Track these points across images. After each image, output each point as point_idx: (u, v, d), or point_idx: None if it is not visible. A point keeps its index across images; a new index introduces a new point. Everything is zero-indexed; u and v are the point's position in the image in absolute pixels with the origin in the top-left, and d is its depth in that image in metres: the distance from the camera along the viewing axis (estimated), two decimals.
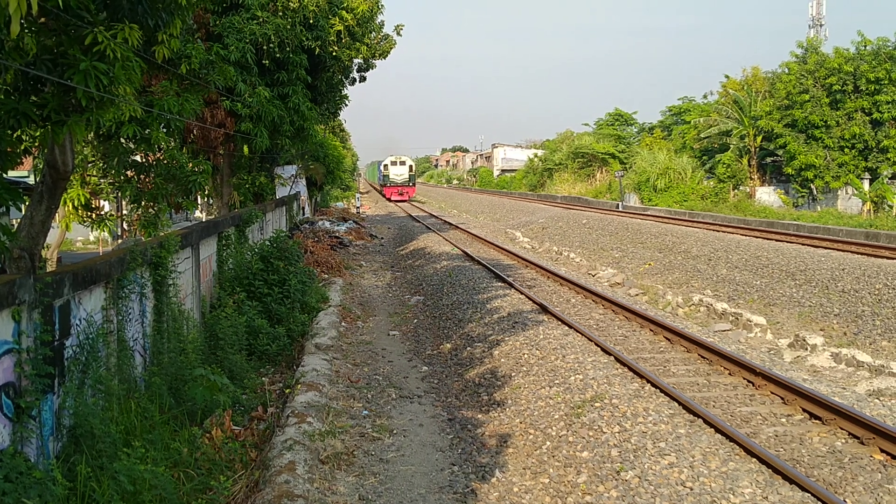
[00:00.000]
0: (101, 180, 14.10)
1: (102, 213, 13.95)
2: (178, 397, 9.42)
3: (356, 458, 9.15)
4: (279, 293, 15.71)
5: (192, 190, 13.43)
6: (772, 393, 10.72)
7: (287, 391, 11.22)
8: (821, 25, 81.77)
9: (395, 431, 10.31)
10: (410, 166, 79.60)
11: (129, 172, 13.22)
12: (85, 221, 13.46)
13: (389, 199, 77.95)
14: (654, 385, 10.77)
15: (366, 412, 10.93)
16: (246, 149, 20.98)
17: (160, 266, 10.31)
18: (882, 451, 8.59)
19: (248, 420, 10.14)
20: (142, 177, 13.21)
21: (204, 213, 37.10)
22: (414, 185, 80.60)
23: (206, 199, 30.56)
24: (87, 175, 13.84)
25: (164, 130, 11.13)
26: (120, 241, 30.62)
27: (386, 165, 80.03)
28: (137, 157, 13.50)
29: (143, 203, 13.02)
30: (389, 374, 13.22)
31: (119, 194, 15.25)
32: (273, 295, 15.56)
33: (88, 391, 7.67)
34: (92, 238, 35.18)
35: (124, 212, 25.15)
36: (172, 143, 13.77)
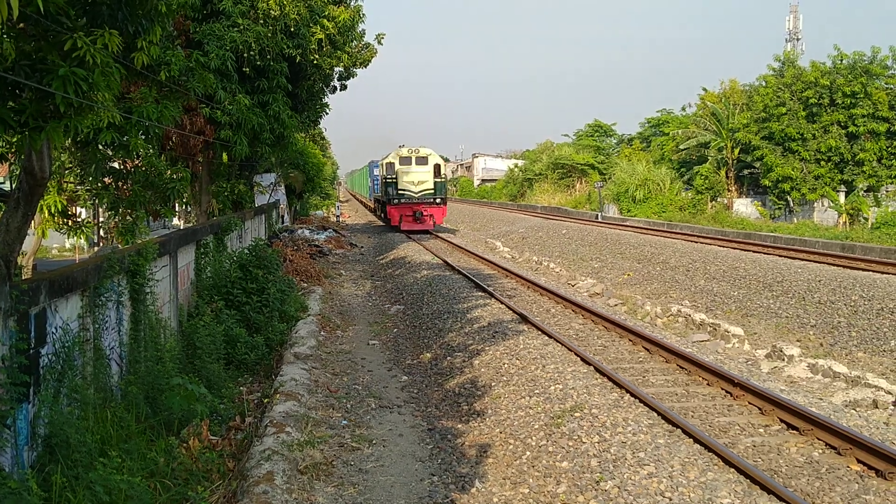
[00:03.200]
0: (79, 187, 13.98)
1: (79, 220, 13.80)
2: (154, 406, 9.32)
3: (335, 468, 9.09)
4: (258, 302, 15.61)
5: (171, 197, 13.35)
6: (749, 403, 10.78)
7: (265, 401, 11.14)
8: (797, 39, 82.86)
9: (374, 441, 10.26)
10: (437, 166, 42.10)
11: (106, 179, 13.12)
12: (61, 228, 13.32)
13: (399, 229, 41.27)
14: (633, 395, 10.79)
15: (345, 422, 10.88)
16: (225, 156, 20.90)
17: (137, 274, 10.21)
18: (859, 461, 8.66)
19: (226, 430, 10.05)
20: (119, 184, 13.11)
21: (182, 221, 36.87)
22: (444, 201, 42.43)
23: (184, 207, 30.38)
24: (64, 181, 13.71)
25: (143, 137, 11.04)
26: (97, 248, 30.32)
27: (390, 165, 41.96)
28: (115, 164, 13.40)
29: (120, 210, 12.91)
30: (369, 384, 13.16)
31: (96, 201, 15.13)
32: (252, 304, 15.46)
33: (64, 400, 7.57)
34: (68, 245, 34.85)
35: (101, 219, 24.95)
36: (151, 150, 13.66)
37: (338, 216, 55.80)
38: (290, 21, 20.35)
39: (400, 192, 40.96)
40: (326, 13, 23.25)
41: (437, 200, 41.18)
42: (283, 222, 38.16)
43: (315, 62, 23.29)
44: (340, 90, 28.84)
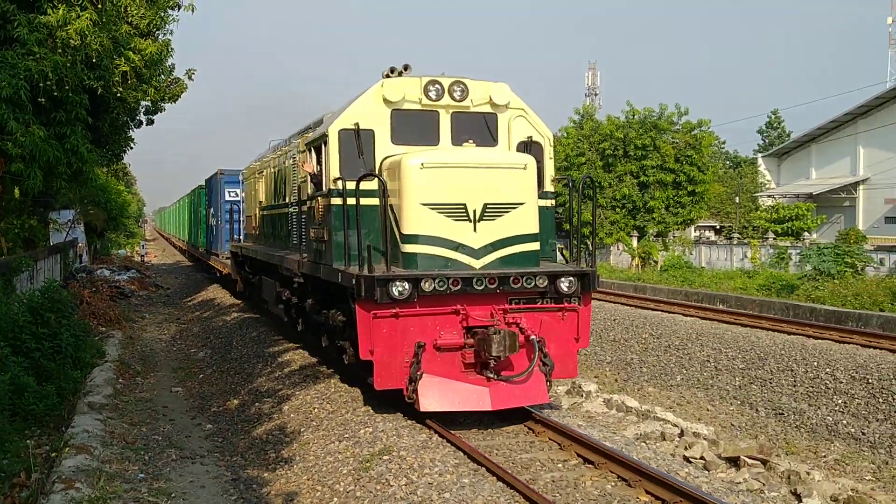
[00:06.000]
0: None
1: None
2: None
3: None
4: (49, 348, 14.58)
5: None
6: (550, 439, 11.23)
7: (54, 455, 10.37)
8: (595, 94, 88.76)
9: (173, 495, 9.78)
10: (534, 145, 12.36)
11: None
12: None
13: (408, 403, 11.00)
14: (441, 436, 10.96)
15: (142, 475, 10.31)
16: (17, 191, 19.48)
17: None
18: (647, 492, 9.23)
19: (10, 487, 9.28)
20: None
21: None
22: (590, 282, 11.34)
23: None
24: None
25: None
26: None
27: (350, 138, 11.65)
28: None
29: None
30: (170, 434, 12.58)
31: None
32: (43, 349, 14.40)
33: None
34: None
35: None
36: None
37: (143, 255, 53.38)
38: (91, 52, 19.37)
39: (408, 248, 10.90)
40: (132, 45, 22.37)
41: (566, 285, 11.19)
42: (81, 262, 36.03)
43: (119, 95, 22.29)
44: (147, 125, 27.81)
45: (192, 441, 12.32)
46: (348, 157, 11.71)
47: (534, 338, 10.91)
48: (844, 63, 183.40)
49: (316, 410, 12.81)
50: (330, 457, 10.69)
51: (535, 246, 11.33)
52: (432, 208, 10.77)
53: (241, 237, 23.65)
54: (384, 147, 11.86)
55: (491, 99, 12.29)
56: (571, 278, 11.25)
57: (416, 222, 10.79)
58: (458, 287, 10.59)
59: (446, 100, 12.03)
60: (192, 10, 23.40)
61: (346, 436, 11.27)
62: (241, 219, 24.04)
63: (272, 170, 18.56)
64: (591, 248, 12.80)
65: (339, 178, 11.55)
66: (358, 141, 11.74)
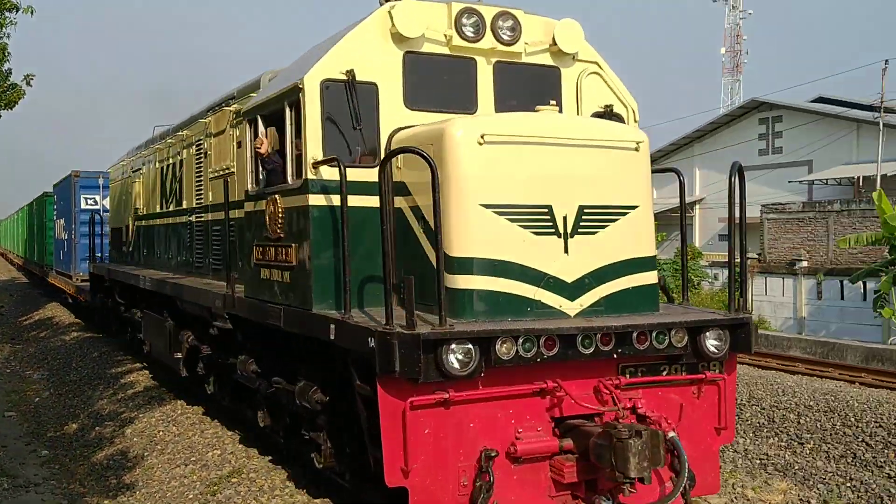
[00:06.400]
0: None
1: None
2: None
3: None
4: None
5: None
6: None
7: None
8: None
9: None
10: (613, 118, 8.11)
11: None
12: None
13: None
14: (291, 454, 10.86)
15: None
16: None
17: None
18: None
19: None
20: None
21: None
22: (744, 334, 7.01)
23: None
24: None
25: None
26: None
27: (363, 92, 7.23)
28: None
29: None
30: (2, 461, 11.85)
31: None
32: None
33: None
34: None
35: None
36: None
37: None
38: None
39: (459, 281, 6.43)
40: None
41: (715, 344, 6.90)
42: None
43: None
44: None
45: (26, 468, 11.65)
46: (336, 126, 7.24)
47: (673, 435, 6.51)
48: (687, 89, 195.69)
49: (161, 433, 12.40)
50: (175, 481, 10.38)
51: (653, 277, 7.19)
52: (499, 212, 6.52)
53: (105, 255, 19.68)
54: (394, 112, 7.45)
55: (555, 43, 8.01)
56: (721, 331, 6.93)
57: (473, 237, 6.44)
58: (555, 351, 6.23)
59: (488, 40, 7.67)
60: (32, 13, 22.21)
61: (193, 459, 10.98)
62: (106, 232, 19.55)
63: (160, 164, 14.07)
64: (740, 280, 7.66)
65: (324, 161, 7.04)
66: (352, 101, 7.22)
